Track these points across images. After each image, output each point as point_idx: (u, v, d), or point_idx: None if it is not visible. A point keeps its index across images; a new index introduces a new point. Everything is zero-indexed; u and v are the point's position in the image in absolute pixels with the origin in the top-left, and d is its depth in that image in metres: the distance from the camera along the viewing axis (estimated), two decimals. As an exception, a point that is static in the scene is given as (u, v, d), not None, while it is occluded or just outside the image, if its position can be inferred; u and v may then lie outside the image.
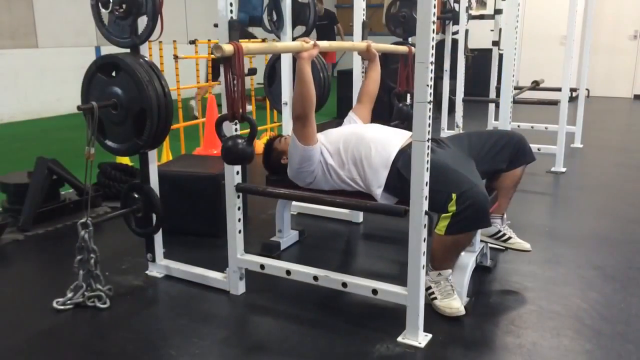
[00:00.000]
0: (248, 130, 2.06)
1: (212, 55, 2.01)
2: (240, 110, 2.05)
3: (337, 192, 2.46)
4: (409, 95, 3.38)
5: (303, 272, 2.36)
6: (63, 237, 3.19)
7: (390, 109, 3.22)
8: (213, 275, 2.56)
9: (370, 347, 2.06)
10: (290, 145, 2.49)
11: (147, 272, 2.70)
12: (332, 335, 2.17)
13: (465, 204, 2.10)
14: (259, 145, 3.45)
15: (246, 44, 2.07)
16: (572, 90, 5.01)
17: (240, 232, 2.47)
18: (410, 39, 4.87)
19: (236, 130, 2.30)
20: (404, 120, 3.29)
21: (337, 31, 10.09)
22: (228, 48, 1.97)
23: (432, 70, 1.88)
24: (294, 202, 3.28)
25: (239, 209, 2.44)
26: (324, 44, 2.46)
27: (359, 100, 2.95)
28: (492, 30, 5.65)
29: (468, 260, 2.42)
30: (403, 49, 3.06)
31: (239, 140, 2.05)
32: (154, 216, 2.53)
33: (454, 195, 2.11)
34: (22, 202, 3.24)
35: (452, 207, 2.12)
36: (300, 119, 2.38)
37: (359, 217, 3.45)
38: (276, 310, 2.40)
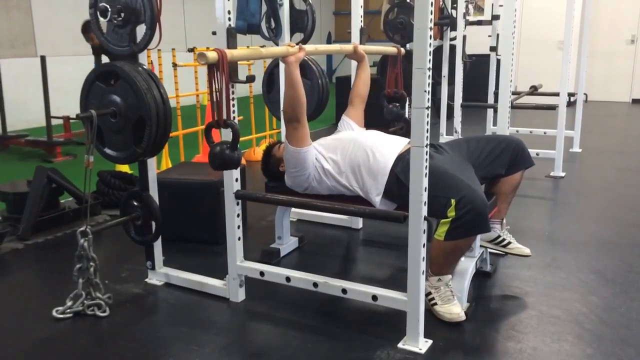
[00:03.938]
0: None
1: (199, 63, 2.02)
2: (225, 117, 2.06)
3: (336, 198, 2.45)
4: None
5: (303, 278, 2.36)
6: (62, 245, 3.19)
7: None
8: (213, 283, 2.55)
9: (370, 354, 2.05)
10: (284, 150, 2.50)
11: (146, 280, 2.70)
12: (332, 341, 2.16)
13: (464, 209, 2.10)
14: (259, 152, 3.45)
15: (230, 51, 2.06)
16: (570, 95, 5.02)
17: (239, 239, 2.47)
18: (408, 45, 4.90)
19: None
20: (395, 121, 3.28)
21: None
22: (212, 55, 1.97)
23: (429, 76, 1.89)
24: (293, 209, 3.28)
25: (238, 216, 2.44)
26: (310, 47, 2.47)
27: (350, 102, 2.94)
28: (489, 36, 5.67)
29: (468, 265, 2.42)
30: (392, 49, 3.04)
31: (225, 146, 2.08)
32: (154, 224, 2.53)
33: (453, 201, 2.11)
34: (22, 210, 3.24)
35: (451, 213, 2.12)
36: (291, 122, 2.39)
37: (359, 223, 3.44)
38: (276, 317, 2.39)
